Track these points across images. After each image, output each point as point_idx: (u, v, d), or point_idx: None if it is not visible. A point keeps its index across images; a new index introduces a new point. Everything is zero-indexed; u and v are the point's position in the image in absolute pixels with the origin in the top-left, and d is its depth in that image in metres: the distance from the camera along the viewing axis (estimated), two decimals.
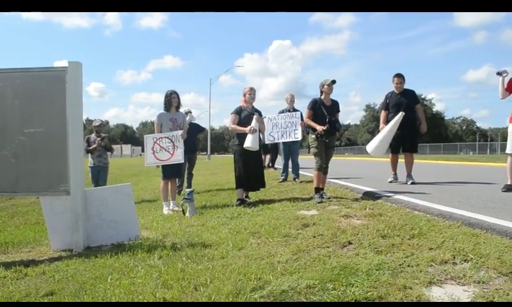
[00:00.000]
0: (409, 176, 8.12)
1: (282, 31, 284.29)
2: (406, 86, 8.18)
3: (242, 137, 6.67)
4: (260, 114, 7.01)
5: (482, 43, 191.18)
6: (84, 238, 4.29)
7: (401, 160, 8.42)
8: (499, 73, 6.93)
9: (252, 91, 6.92)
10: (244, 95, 6.92)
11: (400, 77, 8.15)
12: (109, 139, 9.43)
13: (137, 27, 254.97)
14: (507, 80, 6.82)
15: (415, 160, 8.40)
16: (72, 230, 4.23)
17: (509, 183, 6.62)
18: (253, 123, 6.48)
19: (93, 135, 9.03)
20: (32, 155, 4.17)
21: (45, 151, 4.18)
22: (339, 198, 6.59)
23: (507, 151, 6.74)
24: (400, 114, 7.36)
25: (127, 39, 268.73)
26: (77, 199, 4.21)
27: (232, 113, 6.90)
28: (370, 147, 7.79)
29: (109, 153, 9.43)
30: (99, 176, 8.95)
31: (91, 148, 8.84)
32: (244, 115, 6.77)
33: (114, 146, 9.24)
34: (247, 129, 6.50)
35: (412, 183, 7.91)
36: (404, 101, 7.96)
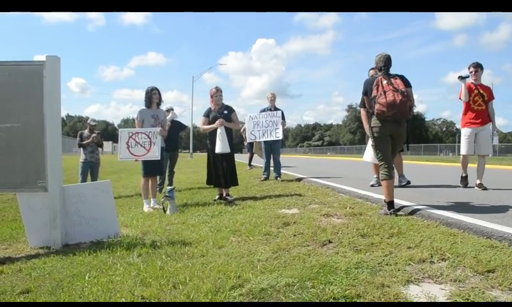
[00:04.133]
0: (402, 176, 7.85)
1: (266, 29, 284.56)
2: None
3: (212, 137, 6.91)
4: (231, 110, 7.16)
5: (462, 46, 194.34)
6: (62, 236, 4.22)
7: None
8: (462, 78, 7.30)
9: (218, 93, 7.08)
10: (212, 97, 7.08)
11: None
12: (101, 136, 9.69)
13: (121, 22, 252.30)
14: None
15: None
16: (50, 227, 4.16)
17: (464, 175, 7.57)
18: (218, 131, 6.74)
19: (86, 131, 9.36)
20: (8, 150, 4.08)
21: (22, 147, 4.09)
22: (320, 197, 6.61)
23: (461, 152, 7.53)
24: None
25: (109, 34, 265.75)
26: (55, 195, 4.14)
27: (202, 116, 7.26)
28: (368, 156, 7.27)
29: (100, 149, 9.71)
30: (92, 171, 9.28)
31: (84, 142, 9.16)
32: (212, 116, 7.02)
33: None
34: (215, 125, 6.79)
35: (408, 183, 7.74)
36: None
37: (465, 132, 7.38)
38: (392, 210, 4.87)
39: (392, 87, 4.85)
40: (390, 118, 4.88)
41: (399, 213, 4.91)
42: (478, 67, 7.30)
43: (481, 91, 7.24)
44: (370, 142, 6.47)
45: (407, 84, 4.99)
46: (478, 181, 7.26)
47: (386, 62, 5.15)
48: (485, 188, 7.06)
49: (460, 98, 7.37)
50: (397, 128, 5.02)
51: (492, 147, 7.47)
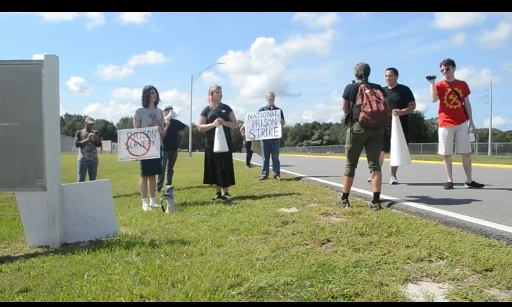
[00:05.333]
0: (393, 175, 8.16)
1: (266, 28, 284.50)
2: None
3: (210, 136, 6.89)
4: (228, 109, 7.15)
5: (461, 45, 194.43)
6: (61, 235, 4.23)
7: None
8: (429, 78, 7.21)
9: (219, 90, 7.09)
10: (212, 94, 7.07)
11: (391, 69, 7.79)
12: (100, 135, 9.68)
13: (120, 22, 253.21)
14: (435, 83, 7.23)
15: None
16: (49, 226, 4.16)
17: (449, 181, 7.13)
18: (217, 130, 6.72)
19: (84, 131, 9.33)
20: (7, 149, 4.08)
21: (21, 146, 4.09)
22: (319, 196, 6.61)
23: (439, 152, 7.37)
24: (395, 118, 6.69)
25: (109, 33, 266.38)
26: (54, 194, 4.14)
27: (200, 114, 7.25)
28: (396, 160, 6.50)
29: (98, 148, 9.68)
30: (90, 170, 9.25)
31: (81, 141, 9.14)
32: (211, 115, 7.00)
33: None
34: (214, 123, 6.77)
35: (393, 183, 7.95)
36: (396, 98, 7.42)
37: (443, 132, 7.29)
38: (345, 200, 5.57)
39: (376, 98, 5.29)
40: (372, 125, 5.33)
41: (395, 211, 4.92)
42: (449, 64, 7.17)
43: (455, 89, 7.13)
44: (395, 144, 6.48)
45: (385, 94, 5.48)
46: (468, 181, 7.20)
47: (366, 70, 5.59)
48: (478, 186, 7.04)
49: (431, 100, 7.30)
50: (375, 132, 5.48)
51: (470, 144, 7.33)
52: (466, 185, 7.17)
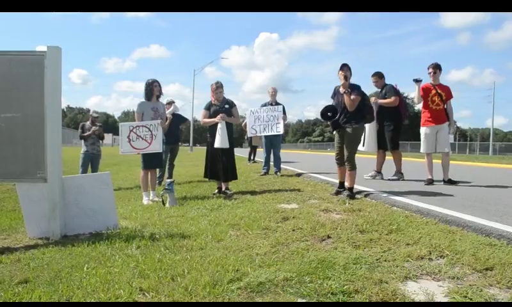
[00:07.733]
0: (398, 172, 8.45)
1: (270, 23, 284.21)
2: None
3: (213, 130, 6.91)
4: (231, 104, 7.16)
5: (465, 44, 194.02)
6: (61, 227, 4.22)
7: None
8: (416, 81, 7.66)
9: (218, 90, 7.06)
10: (213, 91, 7.08)
11: (375, 75, 8.47)
12: (103, 129, 9.69)
13: (125, 15, 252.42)
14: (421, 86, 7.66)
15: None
16: (49, 218, 4.16)
17: (429, 177, 7.50)
18: (219, 125, 6.75)
19: (88, 123, 9.35)
20: (8, 140, 4.07)
21: (22, 137, 4.07)
22: (319, 193, 6.61)
23: (422, 150, 7.77)
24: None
25: (113, 26, 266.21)
26: (55, 186, 4.13)
27: (203, 109, 7.26)
28: (363, 146, 7.47)
29: (100, 141, 9.71)
30: (92, 163, 9.28)
31: (85, 134, 9.17)
32: (213, 110, 7.02)
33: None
34: (216, 119, 6.79)
35: (398, 179, 8.19)
36: (380, 98, 8.23)
37: (424, 131, 7.64)
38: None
39: None
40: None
41: (396, 208, 4.92)
42: (436, 68, 7.54)
43: (439, 91, 7.48)
44: (366, 133, 7.06)
45: None
46: (444, 178, 7.54)
47: None
48: (454, 183, 7.38)
49: (413, 101, 7.68)
50: None
51: (449, 144, 7.77)
52: (442, 183, 7.47)
